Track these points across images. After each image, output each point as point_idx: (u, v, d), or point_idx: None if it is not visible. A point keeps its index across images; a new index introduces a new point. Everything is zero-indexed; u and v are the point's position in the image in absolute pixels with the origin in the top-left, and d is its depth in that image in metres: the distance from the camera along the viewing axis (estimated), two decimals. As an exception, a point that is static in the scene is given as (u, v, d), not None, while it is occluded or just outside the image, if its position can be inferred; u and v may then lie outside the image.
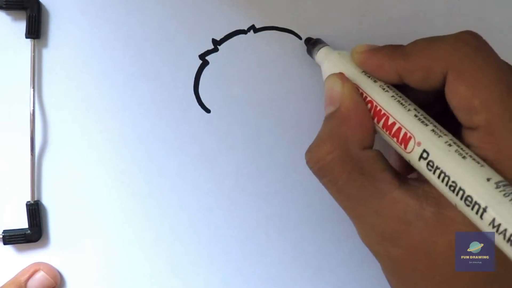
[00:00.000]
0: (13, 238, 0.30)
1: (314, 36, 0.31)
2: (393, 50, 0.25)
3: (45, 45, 0.30)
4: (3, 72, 0.30)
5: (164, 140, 0.31)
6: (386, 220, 0.23)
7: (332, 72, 0.26)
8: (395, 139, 0.23)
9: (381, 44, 0.26)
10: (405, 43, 0.31)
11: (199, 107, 0.31)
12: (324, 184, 0.25)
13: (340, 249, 0.32)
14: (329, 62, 0.27)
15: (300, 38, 0.31)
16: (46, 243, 0.31)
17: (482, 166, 0.20)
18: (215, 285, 0.32)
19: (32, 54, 0.30)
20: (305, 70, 0.31)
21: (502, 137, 0.21)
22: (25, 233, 0.30)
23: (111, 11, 0.31)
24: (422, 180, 0.23)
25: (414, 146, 0.22)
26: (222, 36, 0.31)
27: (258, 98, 0.31)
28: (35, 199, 0.31)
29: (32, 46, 0.30)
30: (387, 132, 0.24)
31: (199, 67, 0.31)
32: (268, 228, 0.32)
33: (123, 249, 0.31)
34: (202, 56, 0.31)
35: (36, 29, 0.30)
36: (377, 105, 0.24)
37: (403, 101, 0.24)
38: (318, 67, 0.31)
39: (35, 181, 0.31)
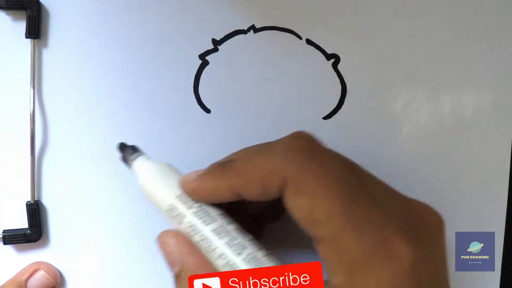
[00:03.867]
0: (13, 238, 0.30)
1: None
2: (223, 169, 0.23)
3: (45, 45, 0.30)
4: (3, 72, 0.30)
5: (164, 140, 0.31)
6: None
7: (151, 187, 0.25)
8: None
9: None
10: (404, 42, 0.31)
11: (199, 107, 0.31)
12: None
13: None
14: (147, 175, 0.25)
15: (300, 38, 0.31)
16: (46, 243, 0.31)
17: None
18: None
19: (32, 54, 0.30)
20: (305, 70, 0.31)
21: (348, 250, 0.20)
22: (25, 233, 0.30)
23: (111, 11, 0.31)
24: None
25: None
26: (222, 36, 0.31)
27: (258, 98, 0.31)
28: (35, 199, 0.31)
29: (32, 46, 0.30)
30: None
31: (199, 67, 0.31)
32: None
33: (123, 249, 0.31)
34: (202, 56, 0.31)
35: (36, 29, 0.30)
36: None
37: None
38: (318, 67, 0.31)
39: (35, 181, 0.31)
